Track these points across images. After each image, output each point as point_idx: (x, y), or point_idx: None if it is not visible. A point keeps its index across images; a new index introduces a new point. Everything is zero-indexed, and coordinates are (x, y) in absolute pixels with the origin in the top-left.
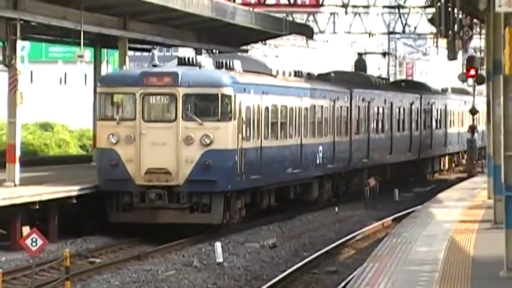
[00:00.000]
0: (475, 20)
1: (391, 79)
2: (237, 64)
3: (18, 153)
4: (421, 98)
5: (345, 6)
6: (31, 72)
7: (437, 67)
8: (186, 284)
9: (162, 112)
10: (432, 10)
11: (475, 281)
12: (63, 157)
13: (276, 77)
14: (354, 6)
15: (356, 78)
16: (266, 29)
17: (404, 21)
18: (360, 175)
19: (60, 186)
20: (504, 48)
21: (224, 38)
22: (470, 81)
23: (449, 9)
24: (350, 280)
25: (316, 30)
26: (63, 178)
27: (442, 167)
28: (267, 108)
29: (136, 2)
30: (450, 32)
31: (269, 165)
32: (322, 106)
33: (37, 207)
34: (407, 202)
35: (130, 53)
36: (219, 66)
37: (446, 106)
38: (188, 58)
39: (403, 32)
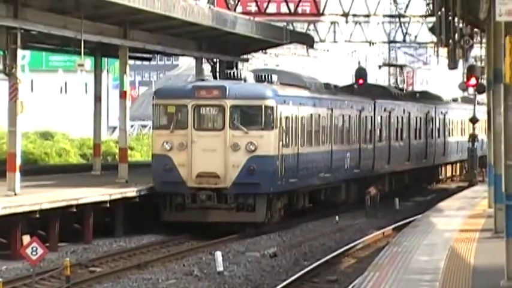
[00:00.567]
0: (475, 29)
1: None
2: (274, 77)
3: (18, 162)
4: (435, 108)
5: (345, 15)
6: (31, 81)
7: (438, 76)
8: None
9: (212, 122)
10: (433, 19)
11: None
12: (63, 166)
13: (309, 89)
14: (354, 15)
15: (377, 89)
16: (267, 38)
17: (404, 30)
18: (381, 180)
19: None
20: (504, 57)
21: (225, 47)
22: (471, 90)
23: (450, 18)
24: None
25: (316, 39)
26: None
27: (454, 173)
28: (303, 118)
29: (137, 10)
30: (451, 41)
31: (305, 169)
32: (349, 116)
33: (37, 215)
34: (408, 211)
35: (131, 61)
36: (258, 79)
37: (457, 115)
38: (233, 73)
39: (404, 41)
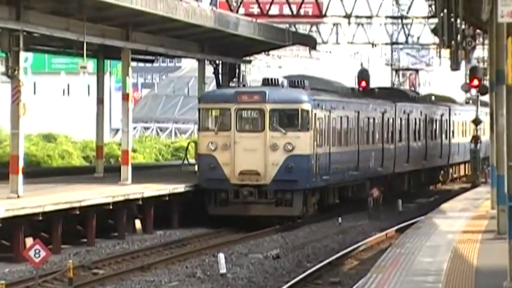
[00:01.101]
0: (478, 31)
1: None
2: (306, 83)
3: (21, 164)
4: (449, 109)
5: (348, 16)
6: (34, 84)
7: (441, 77)
8: None
9: (252, 124)
10: (435, 20)
11: None
12: (66, 168)
13: (339, 93)
14: (357, 17)
15: (395, 92)
16: (269, 39)
17: (407, 32)
18: (401, 178)
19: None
20: (507, 59)
21: (227, 48)
22: (474, 91)
23: (452, 19)
24: None
25: (319, 40)
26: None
27: (466, 172)
28: (333, 120)
29: (139, 12)
30: (453, 42)
31: (335, 167)
32: (374, 118)
33: (40, 218)
34: (411, 213)
35: (133, 63)
36: (292, 85)
37: (470, 117)
38: (271, 79)
39: (406, 42)
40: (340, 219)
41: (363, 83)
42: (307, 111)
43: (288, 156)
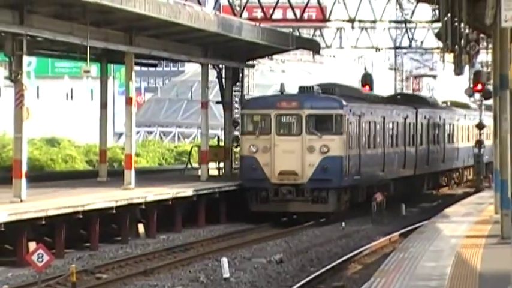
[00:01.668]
0: (481, 35)
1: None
2: (337, 90)
3: (24, 168)
4: (465, 115)
5: (351, 21)
6: (37, 88)
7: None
8: None
9: (291, 128)
10: (439, 25)
11: None
12: (69, 172)
13: (366, 100)
14: (360, 21)
15: (416, 98)
16: (273, 44)
17: (411, 36)
18: (421, 180)
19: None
20: (510, 63)
21: (230, 53)
22: (477, 95)
23: (456, 24)
24: None
25: (322, 45)
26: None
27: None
28: (363, 125)
29: (143, 17)
30: (457, 46)
31: (365, 168)
32: (397, 122)
33: (43, 222)
34: (414, 217)
35: (136, 68)
36: (324, 92)
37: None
38: (307, 87)
39: (410, 46)
40: (343, 223)
41: (366, 87)
42: (341, 116)
43: (323, 157)
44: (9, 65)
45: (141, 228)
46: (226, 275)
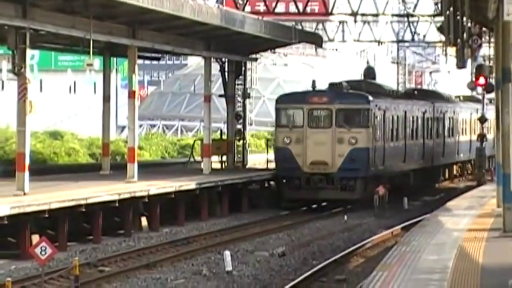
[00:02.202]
0: (484, 29)
1: (401, 87)
2: (363, 86)
3: (27, 161)
4: (477, 110)
5: (354, 14)
6: (40, 81)
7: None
8: None
9: (321, 121)
10: (441, 19)
11: None
12: (72, 166)
13: (390, 96)
14: (363, 15)
15: (432, 93)
16: (275, 37)
17: (413, 30)
18: (438, 171)
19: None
20: None
21: (233, 46)
22: (480, 89)
23: (458, 17)
24: None
25: (325, 38)
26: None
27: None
28: (387, 119)
29: (146, 10)
30: (459, 40)
31: (388, 159)
32: (417, 117)
33: (46, 215)
34: (416, 210)
35: (139, 61)
36: (352, 88)
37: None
38: (336, 83)
39: (412, 40)
40: (345, 217)
41: None
42: (368, 111)
43: (351, 148)
44: (13, 58)
45: (144, 221)
46: (229, 268)
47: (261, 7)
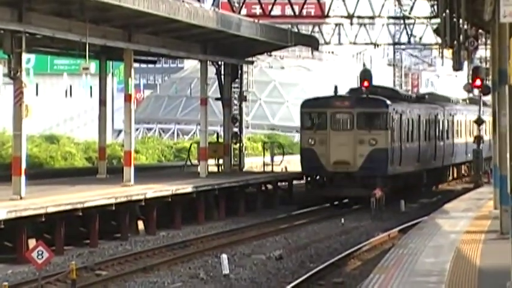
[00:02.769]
0: (480, 31)
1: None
2: (380, 91)
3: (24, 166)
4: (483, 111)
5: (350, 17)
6: (36, 85)
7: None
8: None
9: (344, 124)
10: (437, 21)
11: None
12: (69, 170)
13: (405, 100)
14: (359, 17)
15: (442, 97)
16: (271, 40)
17: (409, 32)
18: (447, 170)
19: None
20: (509, 59)
21: (229, 49)
22: (476, 91)
23: (455, 19)
24: None
25: (321, 41)
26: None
27: None
28: (403, 122)
29: (141, 13)
30: (455, 42)
31: (405, 159)
32: (429, 119)
33: (43, 219)
34: (414, 213)
35: (135, 64)
36: (370, 93)
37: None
38: (356, 88)
39: (409, 42)
40: (342, 219)
41: (365, 83)
42: (386, 114)
43: (372, 149)
44: (9, 62)
45: (140, 225)
46: (226, 271)
47: (257, 10)
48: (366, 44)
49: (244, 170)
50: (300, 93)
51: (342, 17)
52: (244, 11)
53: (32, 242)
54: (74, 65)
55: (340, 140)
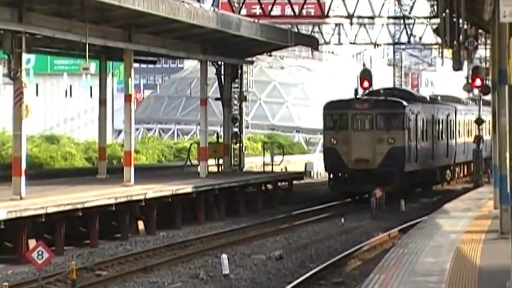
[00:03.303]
0: (480, 30)
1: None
2: (396, 93)
3: (24, 166)
4: (490, 111)
5: (350, 17)
6: (36, 85)
7: (443, 77)
8: None
9: (364, 124)
10: (437, 21)
11: None
12: (69, 170)
13: (420, 101)
14: (359, 17)
15: (453, 98)
16: (271, 40)
17: (409, 32)
18: (459, 168)
19: None
20: (509, 58)
21: (229, 49)
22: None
23: (454, 19)
24: None
25: (321, 41)
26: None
27: None
28: (419, 121)
29: (141, 14)
30: (455, 42)
31: (420, 157)
32: (442, 119)
33: (43, 219)
34: (414, 213)
35: (135, 65)
36: (387, 95)
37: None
38: (375, 90)
39: (408, 42)
40: (343, 219)
41: (365, 83)
42: (403, 115)
43: (390, 147)
44: (9, 62)
45: (140, 225)
46: (226, 271)
47: (257, 10)
48: (366, 44)
49: (244, 170)
50: (300, 93)
51: (341, 17)
52: (244, 11)
53: (32, 242)
54: (74, 65)
55: (361, 139)
